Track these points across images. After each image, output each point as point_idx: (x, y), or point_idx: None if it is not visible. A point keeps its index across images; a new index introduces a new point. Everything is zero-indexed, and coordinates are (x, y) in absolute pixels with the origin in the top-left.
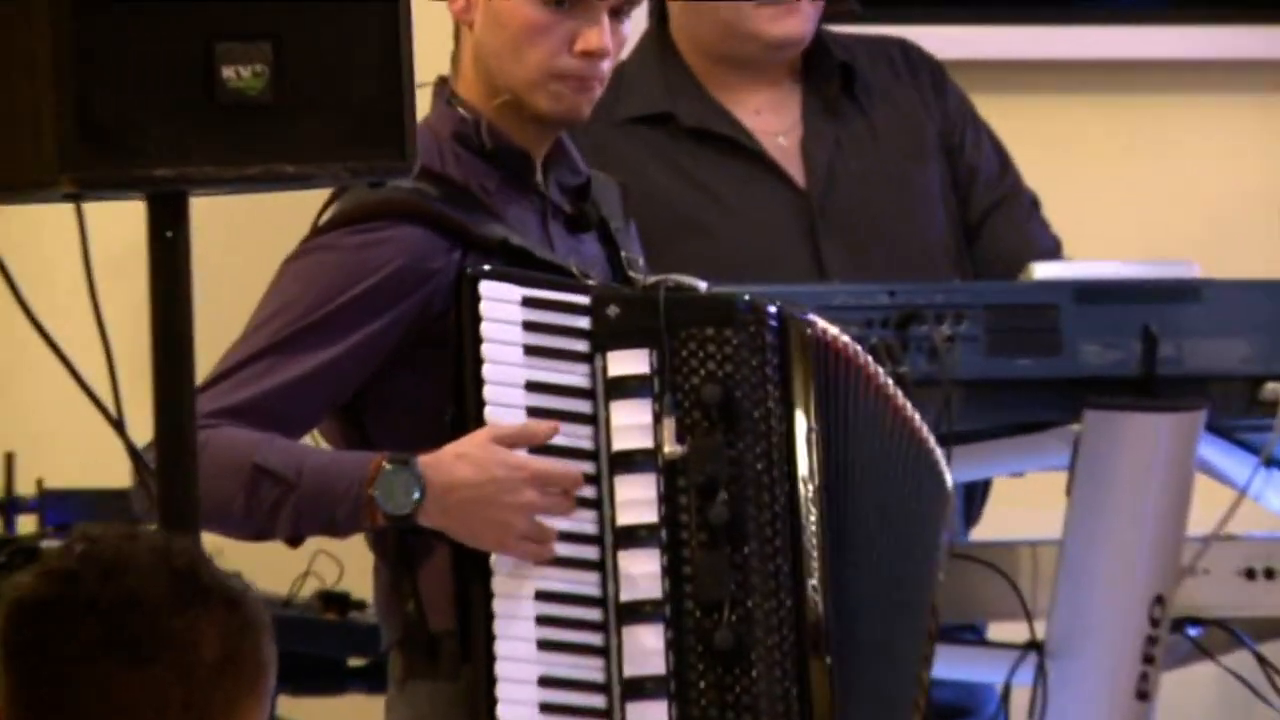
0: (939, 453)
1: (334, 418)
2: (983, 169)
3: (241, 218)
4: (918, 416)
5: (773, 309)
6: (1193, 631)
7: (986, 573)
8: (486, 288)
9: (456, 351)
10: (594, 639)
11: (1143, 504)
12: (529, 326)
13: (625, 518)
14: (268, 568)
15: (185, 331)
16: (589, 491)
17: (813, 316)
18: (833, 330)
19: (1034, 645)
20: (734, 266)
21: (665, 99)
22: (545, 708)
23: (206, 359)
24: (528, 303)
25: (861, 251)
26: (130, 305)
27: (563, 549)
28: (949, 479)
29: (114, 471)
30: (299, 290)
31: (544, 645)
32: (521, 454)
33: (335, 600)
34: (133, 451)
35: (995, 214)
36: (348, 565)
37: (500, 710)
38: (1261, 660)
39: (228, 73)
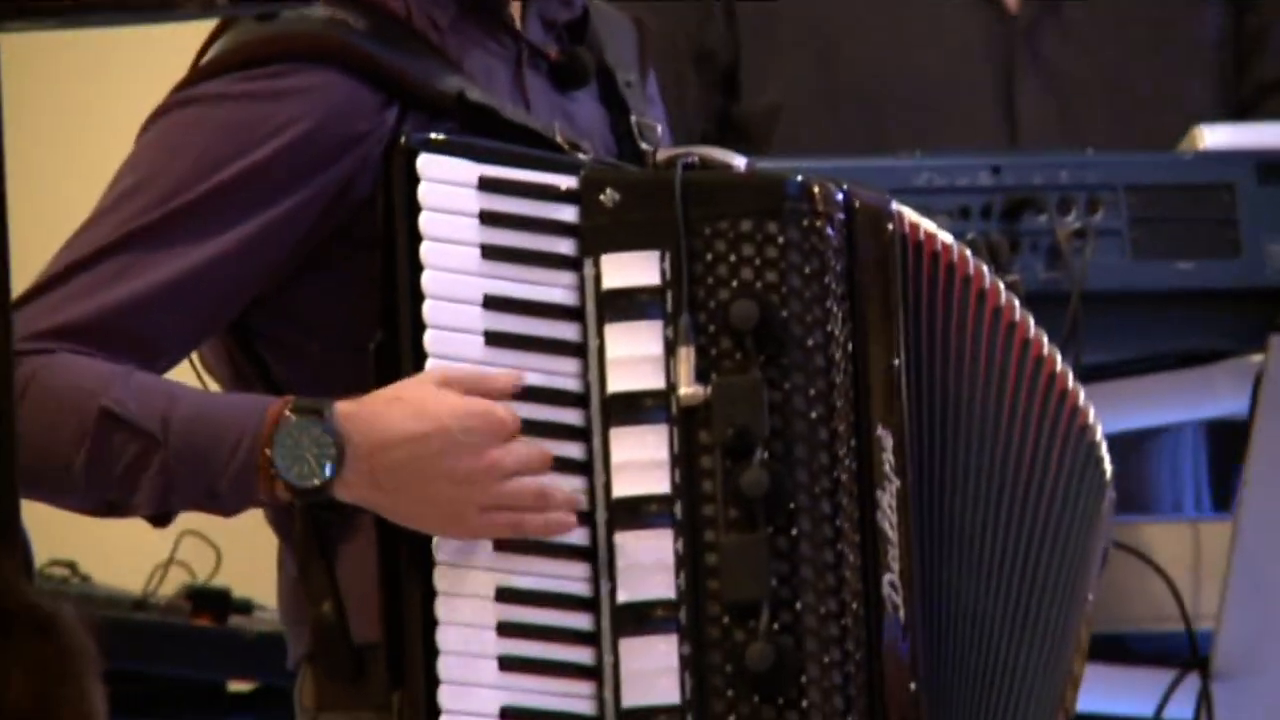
0: (1092, 413)
1: (218, 344)
2: (1275, 32)
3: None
4: (1058, 356)
5: (839, 194)
6: None
7: (1127, 561)
8: (429, 164)
9: (387, 253)
10: (580, 655)
11: None
12: (489, 219)
13: (625, 487)
14: (115, 554)
15: None
16: (575, 451)
17: (897, 206)
18: (928, 225)
19: (1195, 663)
20: (873, 100)
21: None
22: None
23: (35, 261)
24: (487, 185)
25: (1079, 108)
26: None
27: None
28: (1106, 454)
29: None
30: (166, 160)
31: (508, 664)
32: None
33: (210, 600)
34: None
35: (1277, 94)
36: (226, 551)
37: None
38: None
39: None
